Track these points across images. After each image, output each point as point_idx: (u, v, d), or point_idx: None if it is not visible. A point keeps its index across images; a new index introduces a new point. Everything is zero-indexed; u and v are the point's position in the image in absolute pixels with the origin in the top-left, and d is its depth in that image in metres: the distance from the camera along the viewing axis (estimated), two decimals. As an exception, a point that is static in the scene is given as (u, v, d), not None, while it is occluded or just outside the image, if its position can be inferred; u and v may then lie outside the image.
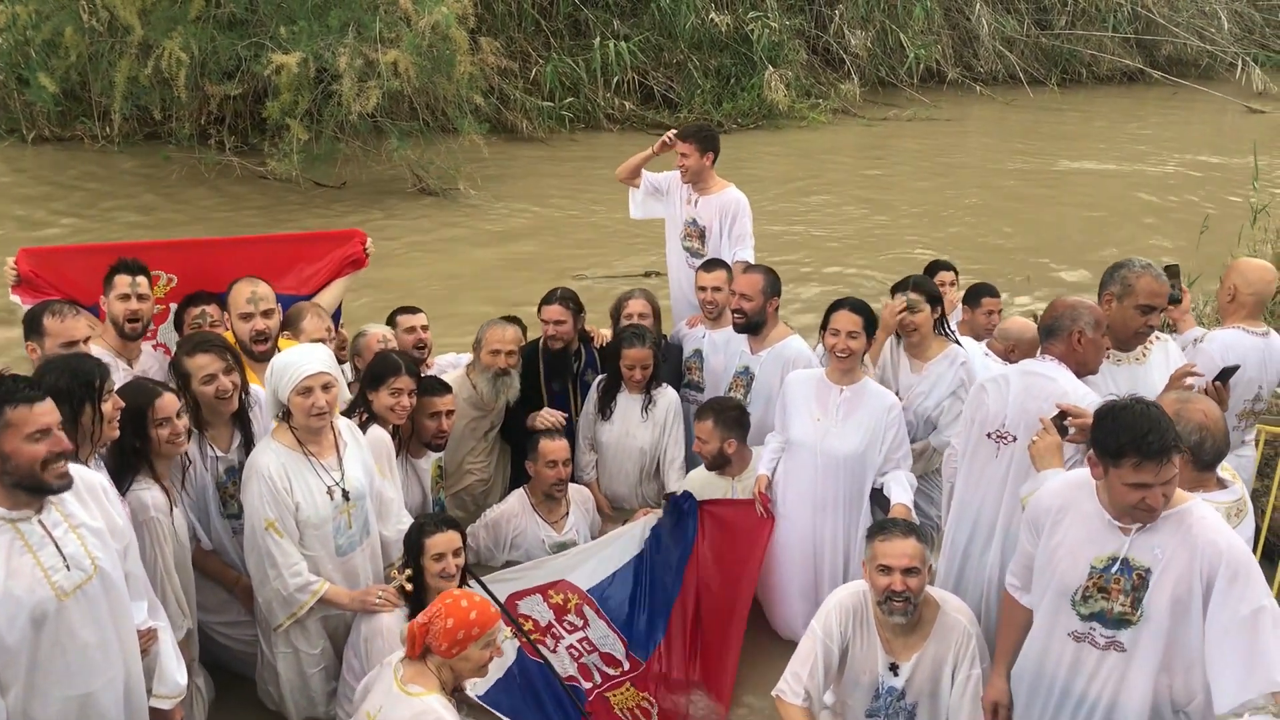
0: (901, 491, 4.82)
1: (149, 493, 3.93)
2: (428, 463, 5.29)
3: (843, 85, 19.11)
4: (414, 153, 12.84)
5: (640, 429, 5.76)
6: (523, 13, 16.53)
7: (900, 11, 19.80)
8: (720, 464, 5.31)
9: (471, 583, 4.47)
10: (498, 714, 4.29)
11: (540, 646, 4.65)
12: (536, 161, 14.75)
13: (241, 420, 4.48)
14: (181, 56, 11.77)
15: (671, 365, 6.09)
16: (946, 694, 3.99)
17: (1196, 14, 22.94)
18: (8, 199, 11.64)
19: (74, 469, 3.32)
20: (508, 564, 5.34)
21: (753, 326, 5.58)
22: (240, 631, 4.60)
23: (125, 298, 4.69)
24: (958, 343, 5.45)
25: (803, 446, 4.96)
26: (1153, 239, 11.97)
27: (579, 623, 4.99)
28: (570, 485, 5.61)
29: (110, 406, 3.69)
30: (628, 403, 5.79)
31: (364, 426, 4.69)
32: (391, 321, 5.84)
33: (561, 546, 5.37)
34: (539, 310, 5.97)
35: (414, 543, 4.25)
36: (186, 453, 4.27)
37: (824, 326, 4.99)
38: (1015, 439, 4.16)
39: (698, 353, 6.01)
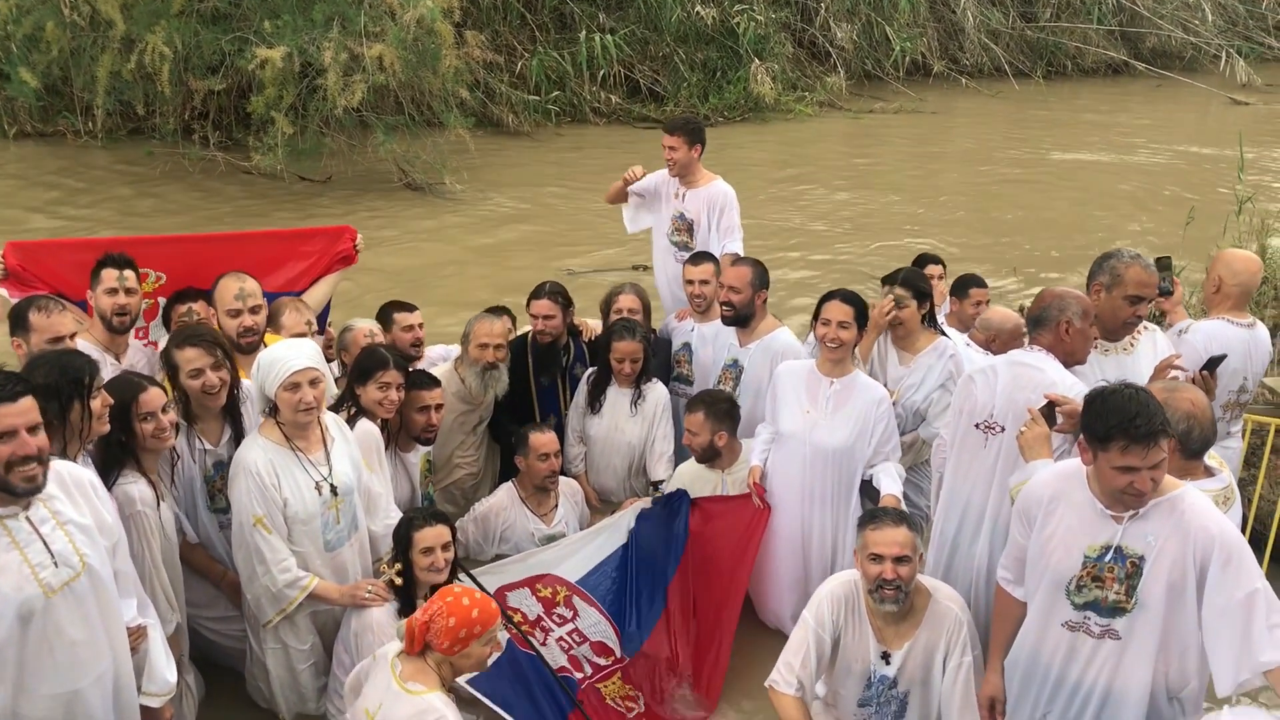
0: (891, 483, 4.83)
1: (135, 487, 3.91)
2: (416, 457, 5.28)
3: (829, 78, 19.13)
4: (399, 147, 12.80)
5: (629, 423, 5.75)
6: (508, 6, 16.49)
7: (886, 4, 19.83)
8: (710, 456, 5.31)
9: (461, 576, 4.46)
10: (488, 703, 4.28)
11: (530, 638, 4.64)
12: (523, 155, 14.73)
13: (232, 415, 4.46)
14: (165, 51, 11.72)
15: (660, 359, 6.08)
16: (938, 682, 4.01)
17: (1180, 6, 23.03)
18: (-10, 195, 11.59)
19: (63, 466, 3.31)
20: (497, 557, 5.33)
21: (741, 319, 5.58)
22: (229, 626, 4.58)
23: (113, 291, 4.67)
24: (945, 335, 5.46)
25: (792, 438, 4.97)
26: (1139, 230, 12.02)
27: (568, 614, 4.98)
28: (559, 478, 5.61)
29: (99, 404, 3.67)
30: (617, 397, 5.78)
31: (352, 421, 4.68)
32: (383, 317, 5.81)
33: (551, 539, 5.36)
34: (528, 305, 5.96)
35: (403, 537, 4.24)
36: (174, 447, 4.24)
37: (815, 317, 4.99)
38: (1003, 429, 4.17)
39: (686, 346, 6.00)
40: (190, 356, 4.27)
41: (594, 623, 5.00)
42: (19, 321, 4.34)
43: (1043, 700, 3.61)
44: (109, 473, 3.86)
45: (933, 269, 6.45)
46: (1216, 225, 9.11)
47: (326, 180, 12.73)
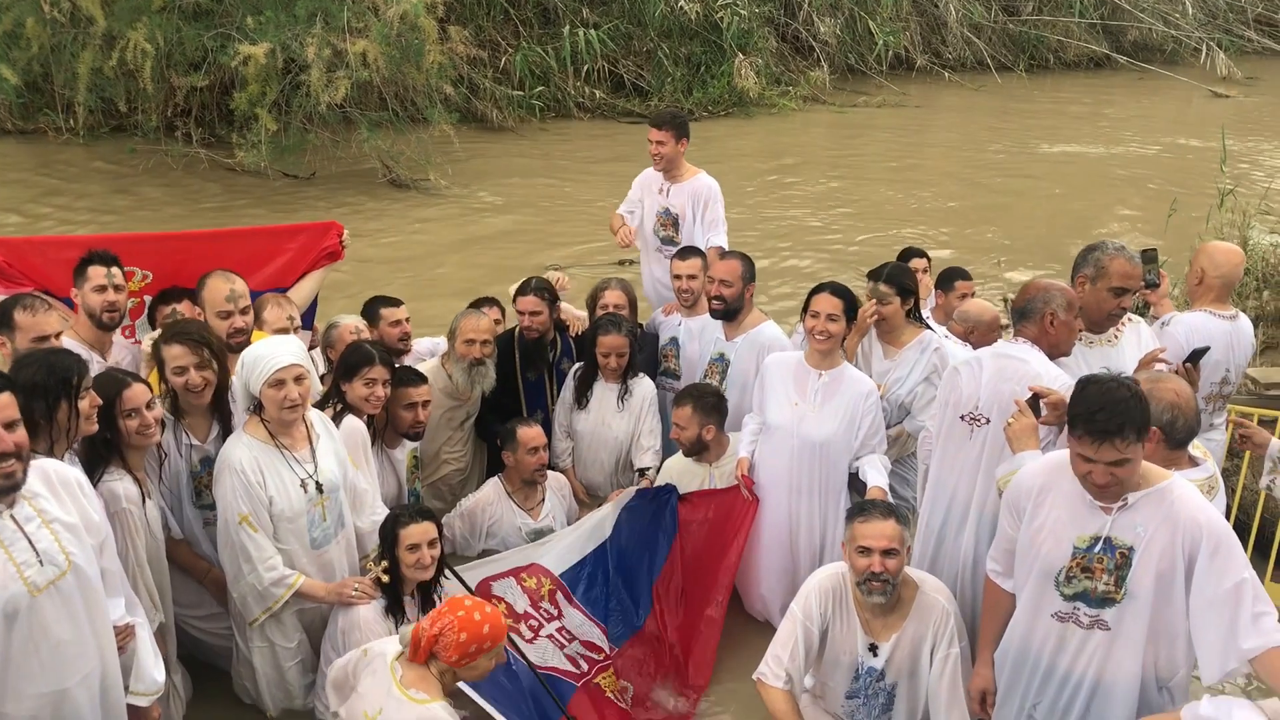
0: (877, 475, 4.84)
1: (120, 483, 3.90)
2: (403, 453, 5.27)
3: (812, 72, 19.13)
4: (384, 143, 12.77)
5: (616, 419, 5.75)
6: (491, 1, 16.45)
7: (869, -2, 19.88)
8: (698, 450, 5.32)
9: (446, 573, 4.45)
10: (481, 701, 4.27)
11: (514, 635, 4.62)
12: (507, 151, 14.70)
13: (221, 412, 4.44)
14: (146, 48, 11.66)
15: (647, 353, 6.09)
16: (926, 673, 4.02)
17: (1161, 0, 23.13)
18: (-30, 193, 11.51)
19: (49, 464, 3.30)
20: (484, 553, 5.33)
21: (731, 312, 5.59)
22: (215, 625, 4.57)
23: (102, 289, 4.64)
24: (930, 328, 5.47)
25: (780, 430, 4.98)
26: (1122, 222, 12.07)
27: (554, 611, 4.98)
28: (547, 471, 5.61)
29: (88, 404, 3.65)
30: (604, 392, 5.78)
31: (338, 418, 4.67)
32: (369, 312, 5.80)
33: (538, 534, 5.36)
34: (514, 301, 5.96)
35: (389, 534, 4.23)
36: (161, 443, 4.23)
37: (804, 310, 4.99)
38: (988, 421, 4.19)
39: (673, 340, 6.01)
40: (175, 354, 4.25)
41: (579, 623, 5.00)
42: (4, 320, 4.31)
43: (1032, 691, 3.63)
44: (94, 469, 3.84)
45: (917, 262, 6.47)
46: (1199, 217, 9.16)
47: (310, 177, 12.68)
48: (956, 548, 4.38)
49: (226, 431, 4.41)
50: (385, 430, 5.14)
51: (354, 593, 4.25)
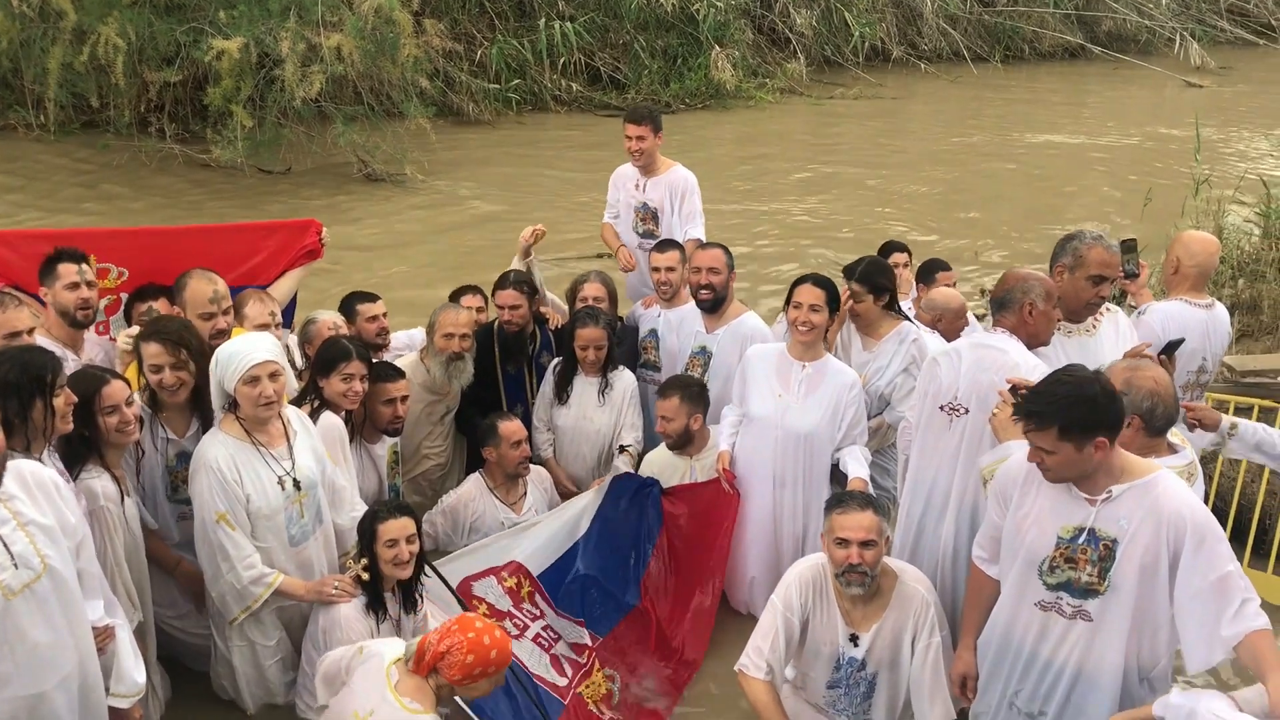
0: (858, 466, 4.85)
1: (99, 481, 3.87)
2: (383, 448, 5.24)
3: (789, 64, 19.13)
4: (359, 137, 12.68)
5: (598, 413, 5.74)
6: (467, -6, 16.41)
7: (844, -10, 19.90)
8: (685, 442, 5.31)
9: (426, 570, 4.43)
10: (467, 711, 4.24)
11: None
12: (484, 144, 14.65)
13: (202, 408, 4.38)
14: (118, 42, 11.54)
15: (628, 346, 6.08)
16: (907, 663, 4.03)
17: (1135, -11, 23.28)
18: (-60, 191, 11.38)
19: (25, 465, 3.26)
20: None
21: (720, 301, 5.59)
22: (190, 624, 4.54)
23: (75, 286, 4.58)
24: (908, 320, 5.48)
25: (763, 422, 4.97)
26: (1099, 211, 12.13)
27: (536, 611, 4.96)
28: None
29: (62, 401, 3.60)
30: (584, 386, 5.77)
31: (315, 414, 4.63)
32: (346, 308, 5.77)
33: (522, 529, 5.35)
34: (493, 295, 5.94)
35: (367, 530, 4.21)
36: (139, 441, 4.19)
37: (787, 301, 4.99)
38: (967, 411, 4.20)
39: (653, 332, 6.00)
40: (152, 352, 4.21)
41: (563, 626, 4.98)
42: (-27, 317, 4.26)
43: (1014, 679, 3.64)
44: (71, 467, 3.80)
45: (898, 257, 6.50)
46: (1175, 206, 9.22)
47: (286, 172, 12.60)
48: (936, 537, 4.39)
49: (207, 427, 4.37)
50: (364, 426, 5.12)
51: (334, 591, 4.22)
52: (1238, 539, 5.72)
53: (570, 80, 16.96)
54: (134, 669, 3.59)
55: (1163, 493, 3.30)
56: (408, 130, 13.07)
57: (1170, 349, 4.53)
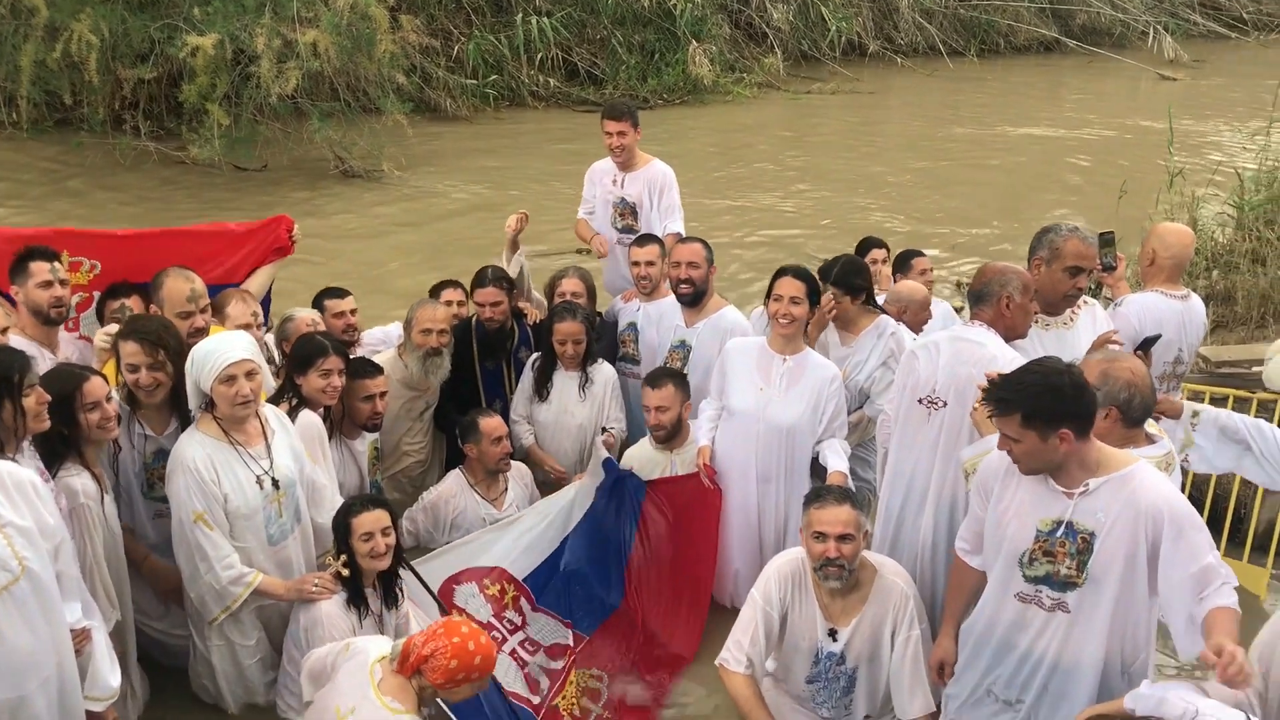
0: (838, 460, 4.86)
1: (78, 479, 3.84)
2: (363, 444, 5.23)
3: (766, 59, 19.16)
4: (336, 134, 12.61)
5: (578, 407, 5.74)
6: (443, -11, 16.34)
7: (821, -16, 19.93)
8: (674, 433, 5.30)
9: (404, 570, 4.42)
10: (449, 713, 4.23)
11: None
12: (461, 140, 14.60)
13: (181, 407, 4.34)
14: (91, 39, 11.43)
15: (607, 340, 6.08)
16: (886, 657, 4.05)
17: (1109, -17, 23.41)
18: (-89, 190, 11.26)
19: (2, 466, 3.22)
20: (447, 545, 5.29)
21: (700, 295, 5.59)
22: (169, 626, 4.51)
23: (48, 284, 4.52)
24: (885, 313, 5.50)
25: (744, 416, 4.96)
26: (1074, 204, 12.19)
27: (518, 620, 4.95)
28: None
29: (34, 401, 3.57)
30: (564, 382, 5.76)
31: (294, 412, 4.61)
32: (318, 305, 5.75)
33: (503, 525, 5.34)
34: (471, 292, 5.92)
35: (341, 525, 4.19)
36: (116, 439, 4.17)
37: (767, 294, 4.99)
38: (945, 404, 4.21)
39: (632, 326, 6.00)
40: (130, 351, 4.19)
41: (542, 626, 4.97)
42: (-55, 317, 4.22)
43: (993, 668, 3.66)
44: (50, 465, 3.77)
45: (876, 253, 6.53)
46: (1150, 198, 9.27)
47: (262, 169, 12.52)
48: (916, 530, 4.41)
49: (186, 425, 4.33)
50: (342, 422, 5.10)
51: (314, 589, 4.20)
52: (1214, 528, 5.78)
53: (548, 76, 16.92)
54: (109, 673, 3.56)
55: (1140, 485, 3.31)
56: (384, 126, 13.01)
57: (1146, 345, 4.56)
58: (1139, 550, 3.29)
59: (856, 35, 20.64)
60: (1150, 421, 3.83)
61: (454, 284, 6.22)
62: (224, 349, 4.08)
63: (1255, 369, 6.22)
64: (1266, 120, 9.59)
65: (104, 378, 4.05)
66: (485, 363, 5.96)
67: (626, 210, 6.54)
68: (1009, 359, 4.05)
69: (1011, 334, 4.20)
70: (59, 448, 3.86)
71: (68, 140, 12.85)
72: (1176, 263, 5.01)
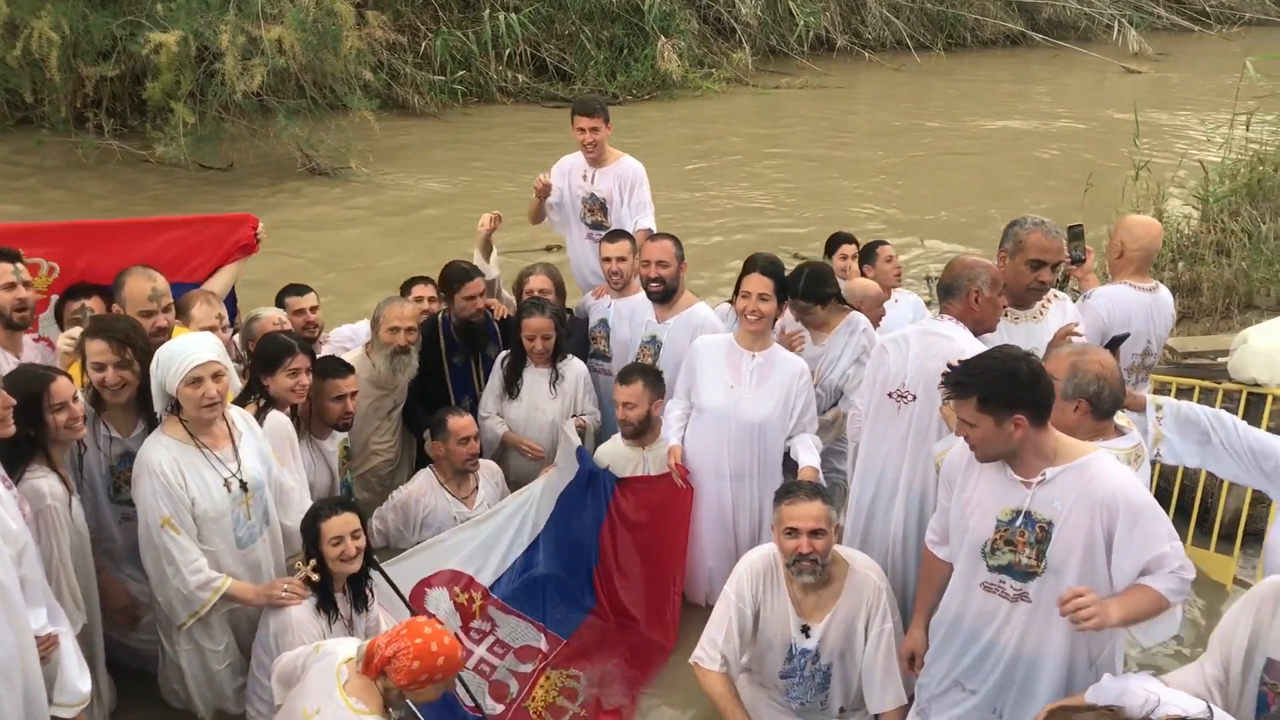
0: (809, 455, 4.86)
1: (45, 481, 3.78)
2: (333, 444, 5.19)
3: (735, 54, 19.20)
4: (303, 131, 12.55)
5: (550, 404, 5.71)
6: (409, -16, 16.26)
7: (788, -21, 19.98)
8: (643, 429, 5.28)
9: (372, 571, 4.38)
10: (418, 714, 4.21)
11: None
12: (429, 136, 14.55)
13: (148, 409, 4.27)
14: (52, 36, 11.32)
15: (578, 336, 6.06)
16: (860, 651, 4.06)
17: (1074, -23, 23.60)
18: None
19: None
20: (418, 545, 5.26)
21: (670, 293, 5.58)
22: (138, 630, 4.45)
23: (11, 286, 4.46)
24: (856, 310, 5.51)
25: (716, 413, 4.94)
26: (1041, 197, 12.26)
27: (486, 627, 4.92)
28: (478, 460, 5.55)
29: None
30: (534, 378, 5.74)
31: (262, 414, 4.57)
32: (279, 302, 5.70)
33: (474, 523, 5.31)
34: (454, 287, 5.85)
35: (310, 529, 4.14)
36: (81, 439, 4.11)
37: (735, 291, 4.99)
38: (915, 398, 4.23)
39: (603, 322, 5.97)
40: (97, 349, 4.13)
41: (513, 628, 4.95)
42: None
43: (961, 658, 3.67)
44: (16, 468, 3.71)
45: (846, 248, 6.55)
46: (1116, 191, 9.34)
47: (228, 168, 12.42)
48: (887, 523, 4.42)
49: (153, 427, 4.28)
50: (310, 420, 5.06)
51: (284, 594, 4.16)
52: (1181, 518, 5.83)
53: (516, 71, 16.90)
54: (78, 678, 3.51)
55: (1095, 474, 3.33)
56: (352, 124, 12.96)
57: (1115, 344, 4.59)
58: (1096, 539, 3.31)
59: (824, 30, 20.73)
60: (1120, 414, 3.85)
61: (424, 280, 6.18)
62: (190, 351, 4.02)
63: (1220, 360, 6.27)
64: (1230, 113, 9.66)
65: (70, 378, 4.00)
66: (454, 359, 5.92)
67: (596, 206, 6.52)
68: (977, 353, 4.07)
69: (980, 328, 4.21)
70: (25, 450, 3.80)
71: (29, 139, 12.71)
72: (1145, 255, 5.04)
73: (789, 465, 4.97)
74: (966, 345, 4.09)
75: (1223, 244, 8.16)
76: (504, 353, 5.85)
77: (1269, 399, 5.84)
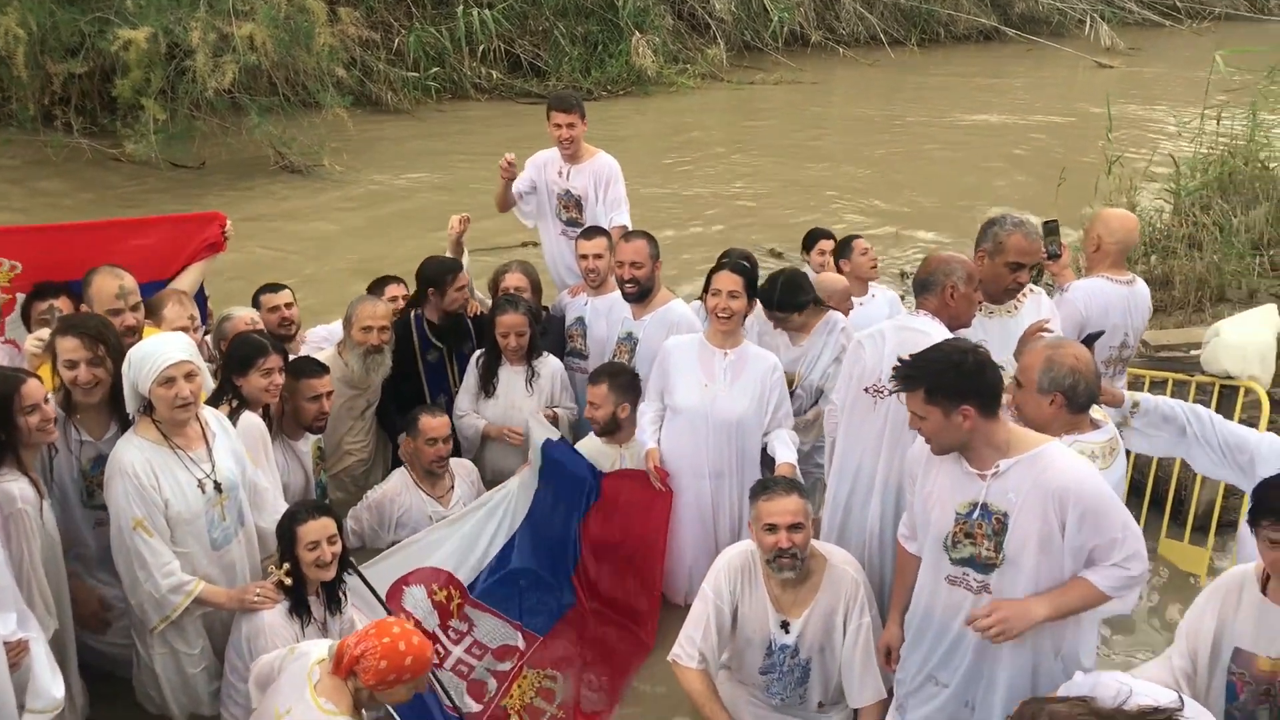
0: (786, 450, 4.86)
1: (15, 484, 3.73)
2: (307, 444, 5.14)
3: (709, 50, 19.20)
4: (275, 129, 12.46)
5: (526, 402, 5.68)
6: (382, -20, 16.18)
7: (763, -25, 20.00)
8: (612, 429, 5.28)
9: (348, 571, 4.35)
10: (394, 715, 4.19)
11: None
12: (404, 133, 14.48)
13: (121, 410, 4.22)
14: (18, 33, 11.18)
15: (554, 335, 6.04)
16: (839, 646, 4.06)
17: (1046, -28, 23.74)
18: None
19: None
20: (394, 545, 5.22)
21: (645, 293, 5.56)
22: (110, 635, 4.41)
23: None
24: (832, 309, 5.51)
25: (692, 413, 4.94)
26: (1015, 191, 12.33)
27: (464, 627, 4.90)
28: (452, 459, 5.52)
29: None
30: (510, 376, 5.71)
31: (235, 415, 4.52)
32: (255, 302, 5.66)
33: (451, 523, 5.28)
34: (444, 284, 5.82)
35: (286, 532, 4.11)
36: (52, 443, 4.06)
37: (705, 289, 4.98)
38: (891, 393, 4.23)
39: (580, 320, 5.96)
40: (68, 347, 4.07)
41: (491, 628, 4.93)
42: None
43: (933, 652, 3.68)
44: None
45: (824, 244, 6.58)
46: (1089, 186, 9.38)
47: (200, 166, 12.32)
48: (863, 518, 4.43)
49: (126, 430, 4.23)
50: (282, 420, 5.02)
51: (256, 598, 4.12)
52: (1155, 510, 5.87)
53: (490, 68, 16.85)
54: (51, 684, 3.47)
55: (1047, 465, 3.35)
56: (325, 121, 12.87)
57: (1090, 340, 4.61)
58: (1051, 529, 3.33)
59: (799, 25, 20.78)
60: (1096, 407, 3.86)
61: (395, 280, 6.14)
62: (162, 350, 3.97)
63: (1193, 352, 6.32)
64: (1200, 107, 9.72)
65: (40, 379, 3.95)
66: (428, 357, 5.89)
67: (572, 203, 6.49)
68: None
69: (956, 323, 4.22)
70: None
71: (-4, 137, 12.57)
72: (1122, 248, 5.07)
73: (766, 461, 4.97)
74: (941, 340, 4.10)
75: (1194, 237, 8.20)
76: (478, 352, 5.82)
77: (1241, 391, 5.89)
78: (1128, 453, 4.23)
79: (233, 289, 6.90)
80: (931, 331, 4.14)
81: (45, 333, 4.39)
